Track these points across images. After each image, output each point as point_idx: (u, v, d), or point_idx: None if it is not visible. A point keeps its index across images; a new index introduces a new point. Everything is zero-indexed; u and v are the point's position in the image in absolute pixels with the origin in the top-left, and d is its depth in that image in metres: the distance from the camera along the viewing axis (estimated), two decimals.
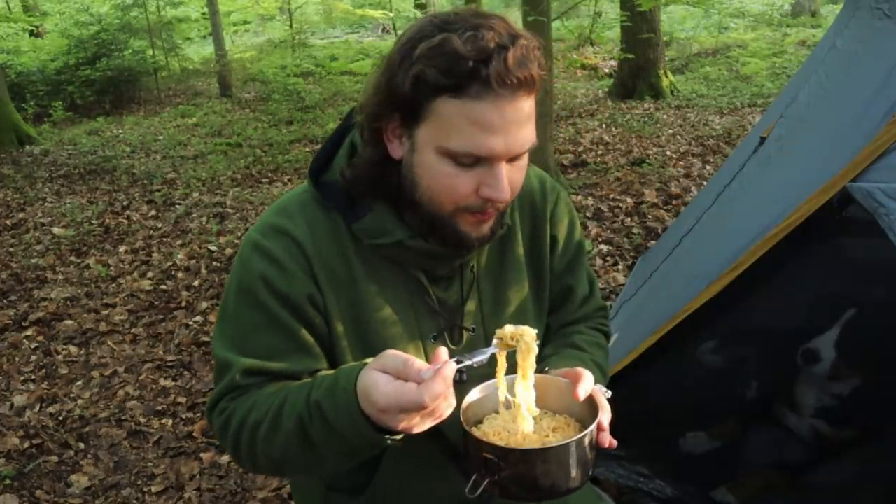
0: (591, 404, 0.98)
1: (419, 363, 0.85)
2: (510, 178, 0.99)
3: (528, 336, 0.94)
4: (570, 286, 1.28)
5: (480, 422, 1.01)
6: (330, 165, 1.12)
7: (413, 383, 0.83)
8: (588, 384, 0.98)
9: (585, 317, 1.31)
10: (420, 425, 0.87)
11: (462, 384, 1.05)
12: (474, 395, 1.02)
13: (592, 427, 0.92)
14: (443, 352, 0.87)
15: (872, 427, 1.96)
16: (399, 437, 0.92)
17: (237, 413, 1.05)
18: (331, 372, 1.02)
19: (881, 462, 1.90)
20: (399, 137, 1.02)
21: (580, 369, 1.01)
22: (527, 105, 0.95)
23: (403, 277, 1.11)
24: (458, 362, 0.87)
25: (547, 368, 1.12)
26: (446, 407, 0.86)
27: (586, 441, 0.91)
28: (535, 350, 0.95)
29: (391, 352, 0.89)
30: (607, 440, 0.97)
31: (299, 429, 0.97)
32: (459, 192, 0.98)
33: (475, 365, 0.91)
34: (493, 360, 0.95)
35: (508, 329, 0.95)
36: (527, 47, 0.93)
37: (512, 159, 0.99)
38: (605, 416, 0.98)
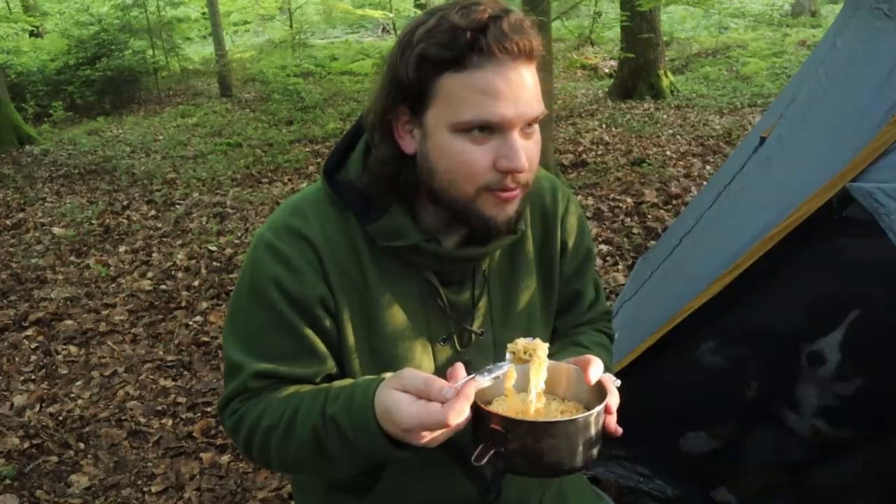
0: (599, 392, 0.98)
1: (440, 382, 0.86)
2: (526, 153, 0.98)
3: (541, 350, 0.94)
4: (578, 291, 1.28)
5: (489, 403, 1.02)
6: (344, 164, 1.11)
7: (436, 403, 0.85)
8: (598, 369, 0.98)
9: (591, 321, 1.32)
10: (439, 439, 0.89)
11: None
12: (483, 382, 1.03)
13: (601, 406, 0.93)
14: (459, 368, 0.88)
15: (873, 427, 1.96)
16: (415, 449, 0.93)
17: (248, 416, 1.06)
18: (345, 383, 1.03)
19: (881, 462, 1.90)
20: (410, 132, 1.02)
21: (590, 356, 1.01)
22: (529, 74, 0.96)
23: (415, 279, 1.11)
24: (474, 379, 0.88)
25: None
26: (463, 420, 0.87)
27: (594, 420, 0.92)
28: (547, 363, 0.95)
29: (410, 370, 0.90)
30: (613, 424, 0.97)
31: (314, 439, 0.99)
32: (477, 167, 0.97)
33: (492, 380, 0.92)
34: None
35: (521, 343, 0.95)
36: (520, 18, 0.96)
37: (525, 133, 0.99)
38: (613, 399, 0.98)
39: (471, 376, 0.88)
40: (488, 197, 1.00)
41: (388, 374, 0.94)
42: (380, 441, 0.91)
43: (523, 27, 0.95)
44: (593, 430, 0.92)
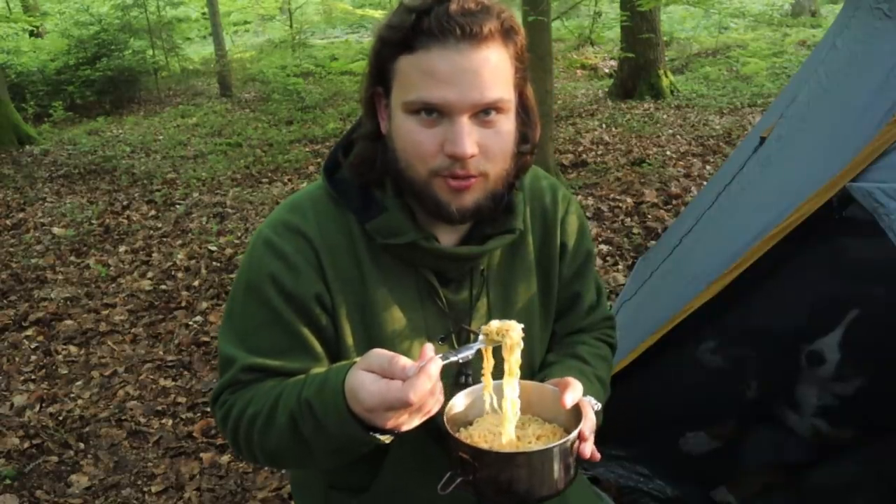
0: (579, 415, 0.97)
1: (403, 360, 0.85)
2: (483, 142, 0.98)
3: (514, 331, 0.93)
4: (577, 293, 1.28)
5: (471, 423, 1.01)
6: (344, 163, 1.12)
7: (398, 381, 0.84)
8: (576, 393, 0.98)
9: (592, 325, 1.31)
10: (409, 422, 0.88)
11: (465, 386, 1.05)
12: (460, 398, 1.01)
13: (572, 436, 0.91)
14: (428, 348, 0.87)
15: (873, 427, 1.96)
16: (388, 436, 0.92)
17: (236, 406, 1.07)
18: (323, 368, 1.03)
19: (881, 462, 1.90)
20: (387, 114, 1.05)
21: (570, 378, 1.01)
22: (487, 57, 0.95)
23: (414, 278, 1.11)
24: (443, 358, 0.87)
25: (545, 379, 1.12)
26: (434, 403, 0.86)
27: (565, 448, 0.90)
28: (521, 345, 0.94)
29: (377, 350, 0.89)
30: (589, 451, 0.96)
31: (291, 425, 0.98)
32: (424, 149, 0.98)
33: (460, 360, 0.91)
34: (479, 355, 0.95)
35: (494, 324, 0.94)
36: (479, 2, 0.96)
37: (482, 121, 0.98)
38: (588, 424, 0.97)
39: (438, 355, 0.86)
40: (440, 182, 1.00)
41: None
42: (350, 425, 0.90)
43: (477, 11, 0.94)
44: (566, 459, 0.91)
